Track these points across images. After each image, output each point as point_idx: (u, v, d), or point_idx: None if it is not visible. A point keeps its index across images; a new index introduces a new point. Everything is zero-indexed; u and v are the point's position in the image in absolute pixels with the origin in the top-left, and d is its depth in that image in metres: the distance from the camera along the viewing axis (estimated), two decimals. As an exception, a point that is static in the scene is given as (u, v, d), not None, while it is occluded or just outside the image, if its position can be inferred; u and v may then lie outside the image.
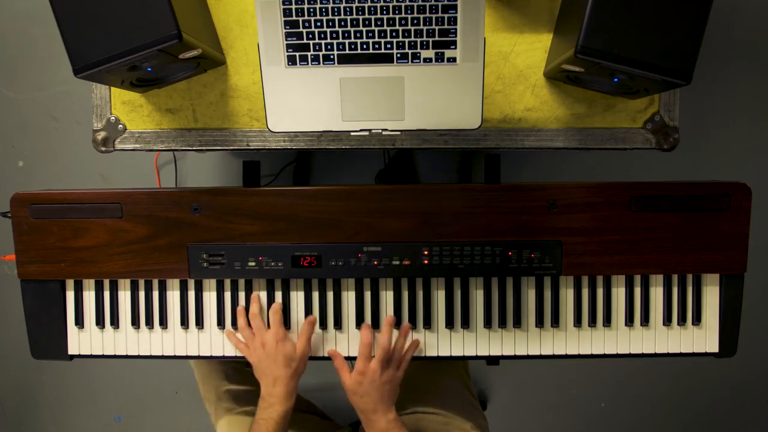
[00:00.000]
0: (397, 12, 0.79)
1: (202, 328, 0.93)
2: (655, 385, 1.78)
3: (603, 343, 0.92)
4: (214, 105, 0.91)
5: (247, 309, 0.92)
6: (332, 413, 1.21)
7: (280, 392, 0.87)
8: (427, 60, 0.81)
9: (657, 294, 0.92)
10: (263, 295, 0.93)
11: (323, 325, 0.93)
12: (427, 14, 0.79)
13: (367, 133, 0.87)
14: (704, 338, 0.92)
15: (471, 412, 1.05)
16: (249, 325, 0.91)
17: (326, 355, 0.93)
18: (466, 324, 0.92)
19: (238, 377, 1.12)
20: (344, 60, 0.82)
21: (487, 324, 0.92)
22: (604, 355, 0.92)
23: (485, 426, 1.05)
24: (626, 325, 0.92)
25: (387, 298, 0.92)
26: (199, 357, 0.94)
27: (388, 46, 0.81)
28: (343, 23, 0.80)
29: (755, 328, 1.73)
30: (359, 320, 0.92)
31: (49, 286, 0.92)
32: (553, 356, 0.92)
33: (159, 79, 0.86)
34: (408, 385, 1.09)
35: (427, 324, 0.92)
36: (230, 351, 0.93)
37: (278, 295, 0.92)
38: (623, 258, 0.89)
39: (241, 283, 0.93)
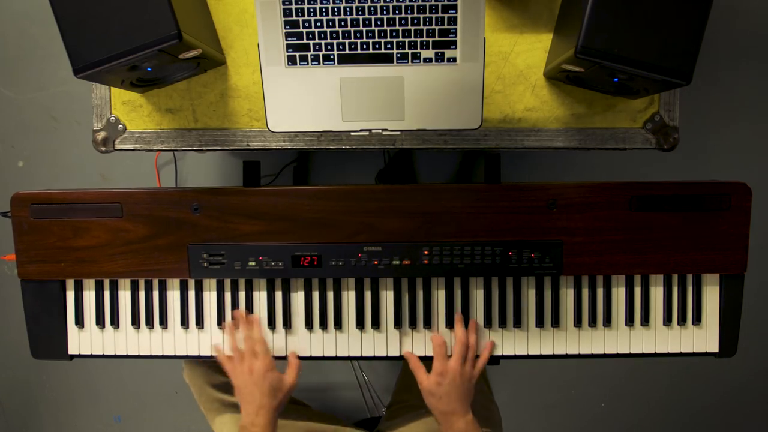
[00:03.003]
0: (397, 12, 0.79)
1: (203, 328, 0.93)
2: (655, 385, 1.78)
3: (603, 343, 0.92)
4: (214, 105, 0.91)
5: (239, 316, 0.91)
6: (333, 413, 1.21)
7: (262, 422, 0.85)
8: (427, 60, 0.81)
9: (657, 294, 0.92)
10: (263, 295, 0.93)
11: (324, 325, 0.93)
12: (427, 14, 0.79)
13: (367, 133, 0.87)
14: (704, 338, 0.92)
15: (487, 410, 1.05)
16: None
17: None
18: (466, 324, 0.92)
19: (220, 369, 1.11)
20: (344, 60, 0.82)
21: (488, 324, 0.92)
22: (604, 355, 0.92)
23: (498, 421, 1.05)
24: (626, 325, 0.92)
25: (387, 298, 0.92)
26: (199, 357, 0.94)
27: (388, 46, 0.81)
28: (343, 23, 0.80)
29: (755, 328, 1.73)
30: (359, 320, 0.92)
31: (49, 286, 0.92)
32: (553, 356, 0.92)
33: (159, 79, 0.86)
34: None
35: (428, 324, 0.92)
36: (228, 351, 0.93)
37: (278, 295, 0.92)
38: (623, 258, 0.89)
39: (242, 283, 0.93)
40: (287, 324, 0.92)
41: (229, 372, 0.90)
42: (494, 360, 0.94)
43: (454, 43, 0.81)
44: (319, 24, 0.80)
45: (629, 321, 0.92)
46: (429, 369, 1.07)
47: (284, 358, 0.93)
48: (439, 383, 0.87)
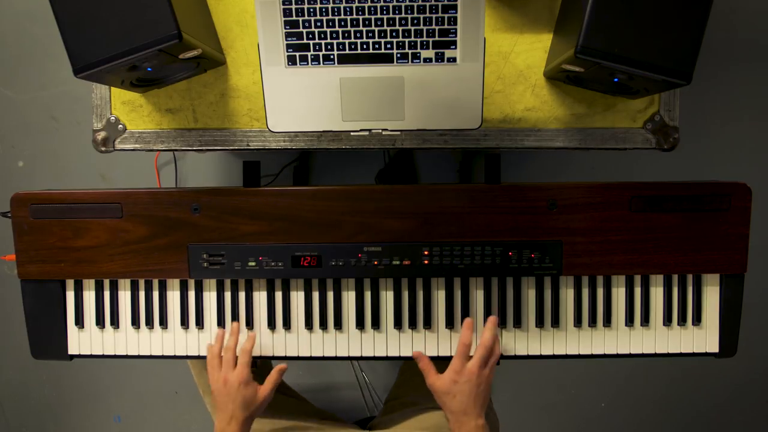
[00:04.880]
0: (397, 12, 0.79)
1: (202, 328, 0.93)
2: (655, 385, 1.78)
3: (603, 343, 0.92)
4: (214, 105, 0.91)
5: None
6: (333, 413, 1.20)
7: (233, 431, 0.86)
8: (427, 60, 0.81)
9: (657, 294, 0.92)
10: (263, 295, 0.93)
11: (323, 325, 0.93)
12: (427, 14, 0.79)
13: (367, 133, 0.87)
14: (704, 338, 0.92)
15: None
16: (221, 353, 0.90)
17: (407, 354, 0.91)
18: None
19: None
20: (344, 60, 0.82)
21: (487, 324, 0.92)
22: (604, 355, 0.92)
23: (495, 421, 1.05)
24: (626, 325, 0.92)
25: (387, 298, 0.92)
26: (199, 357, 0.94)
27: (388, 46, 0.81)
28: (343, 23, 0.80)
29: (755, 328, 1.73)
30: (359, 320, 0.92)
31: (49, 286, 0.92)
32: (553, 356, 0.92)
33: (159, 79, 0.86)
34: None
35: (428, 324, 0.92)
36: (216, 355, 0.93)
37: (278, 296, 0.92)
38: (623, 258, 0.89)
39: (241, 283, 0.93)
40: (287, 324, 0.92)
41: (209, 375, 0.90)
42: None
43: (454, 43, 0.81)
44: (319, 24, 0.80)
45: (629, 321, 0.92)
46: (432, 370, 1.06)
47: (280, 358, 0.93)
48: (455, 381, 0.85)
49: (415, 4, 0.79)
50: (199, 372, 1.11)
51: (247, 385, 0.88)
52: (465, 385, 0.84)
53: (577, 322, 0.92)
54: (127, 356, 0.94)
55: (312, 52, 0.81)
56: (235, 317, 0.93)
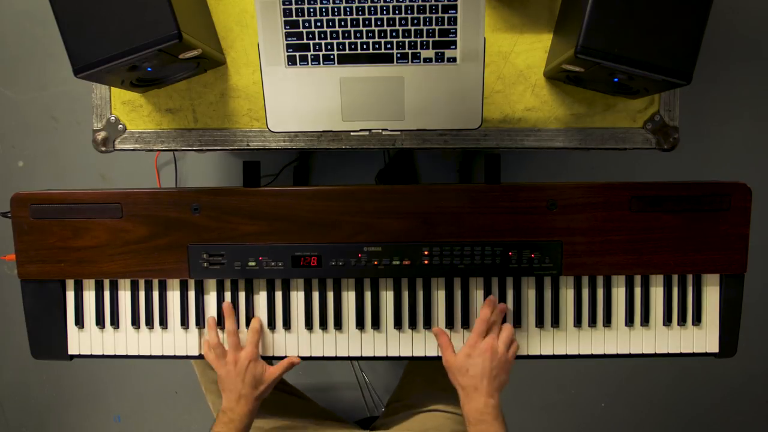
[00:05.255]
0: (397, 12, 0.79)
1: (203, 328, 0.93)
2: (655, 385, 1.78)
3: (603, 343, 0.92)
4: (214, 105, 0.91)
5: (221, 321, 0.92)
6: (333, 413, 1.20)
7: (242, 410, 0.86)
8: (427, 60, 0.81)
9: (657, 294, 0.92)
10: (263, 295, 0.93)
11: (324, 325, 0.93)
12: (427, 14, 0.79)
13: (367, 133, 0.87)
14: (704, 338, 0.92)
15: None
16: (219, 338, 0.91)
17: (439, 345, 0.89)
18: (466, 324, 0.92)
19: None
20: (344, 60, 0.82)
21: (487, 324, 0.92)
22: (604, 355, 0.92)
23: None
24: (626, 325, 0.92)
25: (387, 298, 0.92)
26: (199, 357, 0.94)
27: (388, 46, 0.81)
28: (343, 23, 0.80)
29: (755, 328, 1.73)
30: (359, 320, 0.92)
31: (49, 286, 0.92)
32: (553, 356, 0.92)
33: (159, 79, 0.86)
34: (430, 382, 1.09)
35: (428, 324, 0.92)
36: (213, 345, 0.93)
37: (278, 296, 0.92)
38: (623, 258, 0.89)
39: (241, 283, 0.93)
40: (287, 324, 0.92)
41: (213, 364, 0.90)
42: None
43: (454, 43, 0.81)
44: (319, 24, 0.80)
45: (629, 321, 0.92)
46: (428, 378, 1.06)
47: (280, 358, 0.93)
48: (469, 355, 0.84)
49: (415, 4, 0.79)
50: (202, 370, 1.11)
51: (257, 362, 0.89)
52: (478, 358, 0.83)
53: (577, 322, 0.92)
54: (127, 356, 0.94)
55: (312, 52, 0.81)
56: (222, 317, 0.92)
